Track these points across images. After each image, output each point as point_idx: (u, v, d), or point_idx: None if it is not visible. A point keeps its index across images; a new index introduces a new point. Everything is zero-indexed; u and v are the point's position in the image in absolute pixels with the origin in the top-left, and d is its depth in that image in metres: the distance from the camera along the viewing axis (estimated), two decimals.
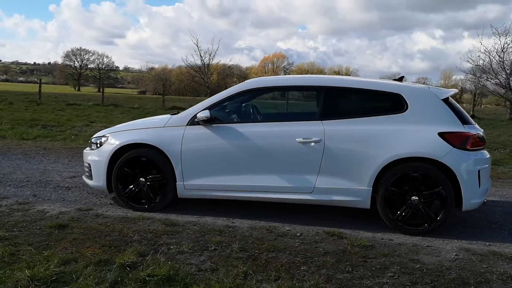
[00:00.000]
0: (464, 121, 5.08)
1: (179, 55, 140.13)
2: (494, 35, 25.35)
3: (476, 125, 5.18)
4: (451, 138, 4.89)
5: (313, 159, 5.08)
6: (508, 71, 24.76)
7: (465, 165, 4.86)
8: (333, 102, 5.22)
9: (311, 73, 73.23)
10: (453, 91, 5.28)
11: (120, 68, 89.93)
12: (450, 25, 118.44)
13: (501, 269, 4.12)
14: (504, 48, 24.79)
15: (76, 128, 13.88)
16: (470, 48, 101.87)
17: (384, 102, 5.19)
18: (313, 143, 5.06)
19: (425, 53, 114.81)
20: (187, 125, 5.39)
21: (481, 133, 5.12)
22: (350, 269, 4.01)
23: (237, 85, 5.59)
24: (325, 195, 5.12)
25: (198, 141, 5.33)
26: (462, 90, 75.12)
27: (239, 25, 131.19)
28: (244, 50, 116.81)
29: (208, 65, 27.60)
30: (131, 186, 5.49)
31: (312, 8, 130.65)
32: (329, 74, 75.19)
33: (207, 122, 5.25)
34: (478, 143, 4.98)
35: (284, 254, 4.32)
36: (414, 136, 4.95)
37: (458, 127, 4.98)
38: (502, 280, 3.90)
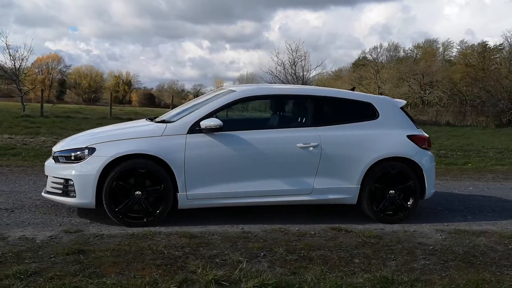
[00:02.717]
0: (416, 126, 6.10)
1: None
2: (288, 50, 28.77)
3: (421, 129, 6.26)
4: (416, 140, 5.85)
5: (312, 162, 5.49)
6: (300, 82, 28.15)
7: (427, 162, 5.87)
8: (323, 110, 5.72)
9: (91, 76, 70.38)
10: (404, 102, 6.27)
11: None
12: (215, 37, 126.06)
13: (480, 242, 5.18)
14: (295, 62, 28.21)
15: None
16: (231, 59, 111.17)
17: (361, 110, 5.88)
18: (311, 148, 5.47)
19: (194, 61, 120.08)
20: (187, 133, 5.24)
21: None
22: (392, 257, 4.60)
23: (233, 93, 5.61)
24: (322, 195, 5.59)
25: (202, 149, 5.23)
26: None
27: (1, 21, 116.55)
28: (7, 50, 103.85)
29: (19, 67, 24.34)
30: (127, 201, 5.09)
31: (83, 9, 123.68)
32: (109, 78, 73.30)
33: (216, 130, 5.20)
34: (430, 143, 6.06)
35: (325, 251, 4.67)
36: (390, 139, 5.78)
37: (417, 131, 5.98)
38: (492, 250, 4.93)
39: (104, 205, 5.07)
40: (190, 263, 4.15)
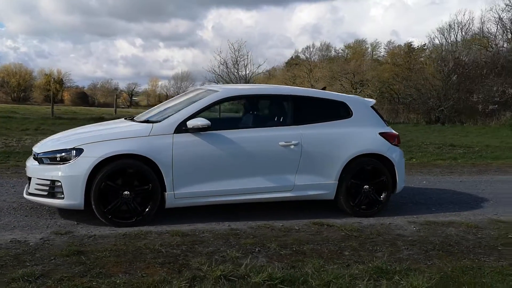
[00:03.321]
0: (386, 124, 6.46)
1: None
2: (230, 50, 29.09)
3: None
4: (387, 137, 6.20)
5: (293, 160, 5.70)
6: (243, 81, 28.52)
7: (398, 158, 6.22)
8: (302, 109, 5.92)
9: (20, 75, 66.97)
10: (374, 101, 6.60)
11: None
12: (148, 35, 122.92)
13: (451, 232, 5.57)
14: (238, 61, 28.56)
15: None
16: (165, 57, 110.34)
17: (336, 109, 6.14)
18: (292, 146, 5.68)
19: (127, 59, 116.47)
20: (174, 133, 5.29)
21: None
22: (378, 248, 4.88)
23: (216, 93, 5.70)
24: (303, 191, 5.80)
25: (189, 149, 5.30)
26: (167, 94, 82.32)
27: None
28: None
29: None
30: (116, 201, 5.07)
31: (10, 4, 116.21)
32: (40, 76, 70.22)
33: (204, 130, 5.28)
34: (400, 140, 6.42)
35: (314, 245, 4.87)
36: (364, 136, 6.08)
37: (387, 128, 6.33)
38: (464, 239, 5.31)
39: (93, 206, 5.03)
40: (192, 261, 4.24)
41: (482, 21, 77.38)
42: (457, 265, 4.44)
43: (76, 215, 5.44)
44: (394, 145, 6.24)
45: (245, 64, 28.74)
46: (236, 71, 28.52)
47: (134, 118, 6.17)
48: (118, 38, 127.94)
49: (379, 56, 70.31)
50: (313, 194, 5.88)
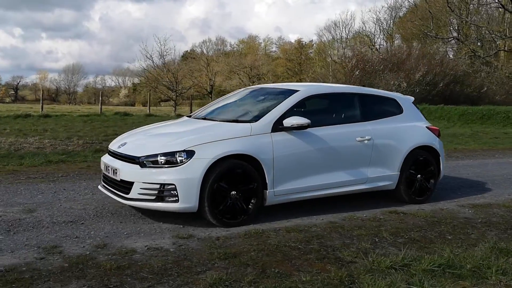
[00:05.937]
0: (426, 118, 7.00)
1: None
2: (156, 42, 28.60)
3: None
4: (432, 131, 6.74)
5: (366, 154, 6.02)
6: (170, 74, 28.23)
7: (442, 149, 6.80)
8: (368, 106, 6.26)
9: None
10: (413, 98, 7.09)
11: None
12: (29, 25, 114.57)
13: (500, 213, 6.21)
14: (165, 55, 28.23)
15: None
16: (48, 49, 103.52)
17: (391, 106, 6.56)
18: (366, 141, 5.99)
19: (5, 50, 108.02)
20: (271, 132, 5.34)
21: None
22: (467, 231, 5.37)
23: (298, 92, 5.82)
24: (374, 183, 6.14)
25: (286, 147, 5.39)
26: (58, 88, 77.65)
27: None
28: None
29: None
30: (226, 201, 5.01)
31: None
32: None
33: (303, 128, 5.39)
34: (440, 133, 6.99)
35: (414, 232, 5.22)
36: (417, 130, 6.57)
37: (428, 123, 6.88)
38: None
39: (206, 208, 4.93)
40: (341, 254, 4.40)
41: (363, 21, 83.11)
42: None
43: (172, 218, 5.27)
44: (437, 137, 6.79)
45: (173, 58, 28.54)
46: (163, 63, 28.16)
47: (206, 117, 6.11)
48: None
49: (271, 51, 72.74)
50: (382, 185, 6.24)
